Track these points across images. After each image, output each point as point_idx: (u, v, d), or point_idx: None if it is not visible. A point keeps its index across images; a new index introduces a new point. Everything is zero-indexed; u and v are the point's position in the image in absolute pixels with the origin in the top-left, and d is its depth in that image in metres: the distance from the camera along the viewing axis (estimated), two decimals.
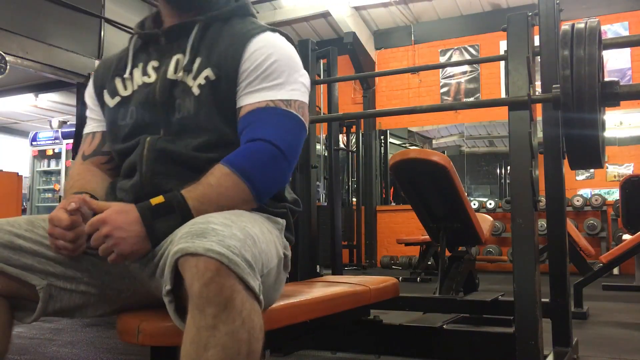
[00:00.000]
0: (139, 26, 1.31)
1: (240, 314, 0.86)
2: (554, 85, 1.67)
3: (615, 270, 6.09)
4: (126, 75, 1.22)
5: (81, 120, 5.52)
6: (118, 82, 1.23)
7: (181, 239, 0.88)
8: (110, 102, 1.22)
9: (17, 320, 1.08)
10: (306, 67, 3.00)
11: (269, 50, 1.13)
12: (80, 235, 1.02)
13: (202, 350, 0.84)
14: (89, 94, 1.31)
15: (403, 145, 9.41)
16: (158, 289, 0.98)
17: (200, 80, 1.13)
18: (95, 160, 1.26)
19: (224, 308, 0.84)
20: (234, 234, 0.90)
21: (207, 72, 1.13)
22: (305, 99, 1.16)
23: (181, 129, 1.13)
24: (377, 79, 8.50)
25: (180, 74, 1.15)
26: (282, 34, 1.20)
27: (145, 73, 1.20)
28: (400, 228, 7.83)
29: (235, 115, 1.13)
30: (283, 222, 1.17)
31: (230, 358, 0.85)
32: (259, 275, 0.92)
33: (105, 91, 1.24)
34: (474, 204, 7.46)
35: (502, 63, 2.06)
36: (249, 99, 1.12)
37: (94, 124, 1.29)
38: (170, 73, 1.16)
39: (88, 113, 1.31)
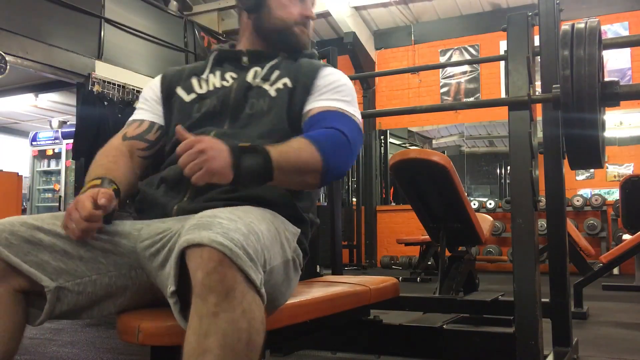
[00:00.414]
0: (219, 48, 1.49)
1: (241, 303, 0.88)
2: (554, 85, 1.67)
3: (615, 270, 6.09)
4: (204, 76, 1.39)
5: (81, 120, 5.52)
6: (194, 81, 1.38)
7: (188, 231, 0.92)
8: (186, 97, 1.36)
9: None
10: None
11: (340, 76, 1.36)
12: (91, 229, 1.07)
13: (202, 338, 0.87)
14: (153, 88, 1.43)
15: (403, 145, 9.41)
16: (163, 284, 1.00)
17: (279, 85, 1.32)
18: (134, 144, 1.34)
19: (225, 297, 0.87)
20: (238, 228, 0.93)
21: (285, 80, 1.33)
22: (361, 124, 1.33)
23: (247, 123, 1.28)
24: (377, 79, 8.50)
25: (258, 80, 1.34)
26: None
27: (223, 78, 1.37)
28: (400, 228, 7.82)
29: (299, 121, 1.29)
30: (298, 230, 1.19)
31: (230, 345, 0.87)
32: (261, 270, 0.94)
33: (179, 87, 1.38)
34: (474, 204, 7.46)
35: (502, 63, 2.06)
36: (321, 103, 1.29)
37: (145, 114, 1.40)
38: (249, 78, 1.34)
39: (140, 104, 1.43)
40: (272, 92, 1.31)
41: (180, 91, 1.37)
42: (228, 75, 1.37)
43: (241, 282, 0.89)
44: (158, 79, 1.44)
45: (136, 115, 1.41)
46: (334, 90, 1.31)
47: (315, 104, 1.29)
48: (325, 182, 1.22)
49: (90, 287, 1.09)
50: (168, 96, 1.39)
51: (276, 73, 1.34)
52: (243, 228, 0.94)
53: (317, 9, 8.08)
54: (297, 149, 1.13)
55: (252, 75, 1.35)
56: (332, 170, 1.18)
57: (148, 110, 1.40)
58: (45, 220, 1.10)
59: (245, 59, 1.40)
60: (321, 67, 1.37)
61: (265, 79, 1.33)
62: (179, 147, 1.01)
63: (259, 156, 1.05)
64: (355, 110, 1.31)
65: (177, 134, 1.05)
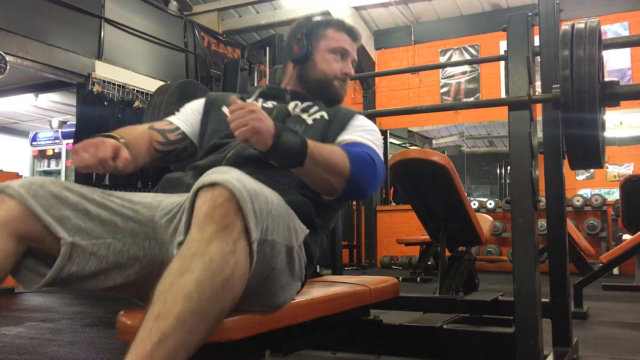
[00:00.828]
0: (265, 86, 1.65)
1: (235, 243, 0.91)
2: (554, 85, 1.67)
3: (615, 270, 6.09)
4: (248, 100, 1.52)
5: (81, 120, 5.53)
6: (239, 100, 1.47)
7: (203, 176, 0.97)
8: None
9: (24, 287, 1.09)
10: None
11: (373, 125, 1.51)
12: (93, 168, 1.14)
13: (188, 259, 0.89)
14: (197, 102, 1.57)
15: (403, 145, 9.41)
16: (174, 251, 1.02)
17: (316, 116, 1.48)
18: (155, 135, 1.45)
19: (223, 229, 0.91)
20: (251, 183, 0.98)
21: (323, 113, 1.48)
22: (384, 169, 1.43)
23: None
24: (377, 79, 8.51)
25: (298, 110, 1.50)
26: None
27: (265, 103, 1.53)
28: (400, 228, 7.82)
29: None
30: (307, 230, 1.20)
31: (212, 273, 0.88)
32: (259, 230, 0.96)
33: (224, 106, 1.50)
34: (474, 204, 7.46)
35: (502, 63, 2.06)
36: (354, 136, 1.42)
37: (178, 121, 1.54)
38: (289, 107, 1.50)
39: (179, 114, 1.56)
40: (309, 121, 1.46)
41: (225, 109, 1.48)
42: (270, 102, 1.54)
43: (240, 226, 0.93)
44: (204, 98, 1.59)
45: (169, 117, 1.55)
46: (367, 132, 1.45)
47: (349, 136, 1.43)
48: (347, 194, 1.30)
49: (104, 251, 1.10)
50: (208, 111, 1.53)
51: (315, 108, 1.50)
52: (256, 186, 0.98)
53: (317, 9, 8.04)
54: (331, 150, 1.25)
55: (293, 106, 1.51)
56: (357, 183, 1.27)
57: (181, 117, 1.54)
58: (75, 184, 1.15)
59: (288, 96, 1.56)
60: (358, 113, 1.54)
61: (304, 110, 1.49)
62: (232, 106, 1.11)
63: (298, 138, 1.15)
64: (381, 152, 1.44)
65: (230, 102, 1.13)
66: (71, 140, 5.99)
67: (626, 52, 7.05)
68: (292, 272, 1.13)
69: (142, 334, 0.86)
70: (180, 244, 0.95)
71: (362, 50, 8.23)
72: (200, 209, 0.93)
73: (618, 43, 2.22)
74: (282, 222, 1.06)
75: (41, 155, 8.87)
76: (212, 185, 0.94)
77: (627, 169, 7.27)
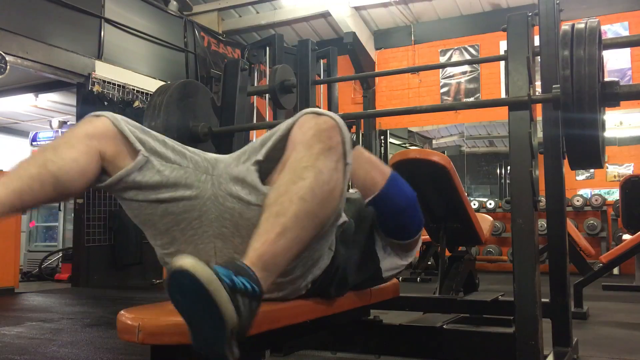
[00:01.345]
0: None
1: (337, 162, 1.05)
2: (554, 86, 1.67)
3: (615, 270, 6.09)
4: None
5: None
6: None
7: (305, 109, 1.11)
8: None
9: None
10: (306, 67, 3.02)
11: None
12: None
13: (300, 170, 1.02)
14: None
15: (403, 145, 9.41)
16: (235, 174, 1.15)
17: None
18: None
19: (329, 149, 1.04)
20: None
21: None
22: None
23: None
24: (377, 79, 8.50)
25: None
26: None
27: None
28: None
29: None
30: (344, 220, 1.25)
31: (321, 182, 1.02)
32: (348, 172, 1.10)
33: None
34: (474, 204, 7.46)
35: (502, 63, 2.05)
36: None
37: None
38: None
39: None
40: None
41: None
42: None
43: (341, 150, 1.06)
44: None
45: None
46: None
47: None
48: (386, 192, 1.40)
49: (168, 171, 1.19)
50: None
51: None
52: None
53: (317, 9, 8.04)
54: (370, 156, 1.45)
55: None
56: (395, 187, 1.42)
57: None
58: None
59: None
60: None
61: None
62: None
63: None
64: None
65: None
66: None
67: (626, 52, 7.05)
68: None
69: (263, 227, 0.99)
70: (258, 162, 1.12)
71: (362, 50, 8.23)
72: (306, 131, 1.06)
73: (618, 43, 2.22)
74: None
75: None
76: (318, 114, 1.08)
77: (627, 169, 7.27)
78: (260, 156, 1.13)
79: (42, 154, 1.15)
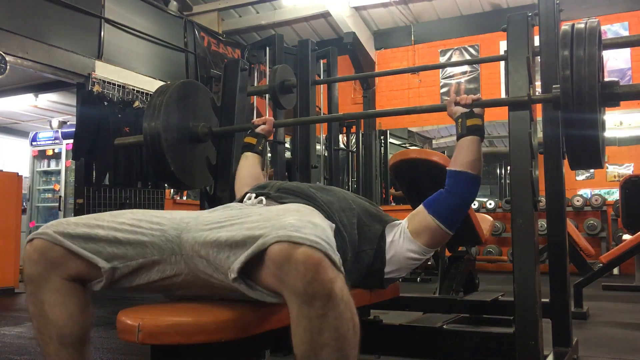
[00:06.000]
0: None
1: (342, 298, 1.01)
2: (554, 86, 1.67)
3: (615, 270, 6.09)
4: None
5: (81, 121, 5.51)
6: None
7: (276, 229, 1.03)
8: None
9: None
10: (306, 67, 3.02)
11: None
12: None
13: (317, 335, 1.00)
14: None
15: (403, 145, 9.41)
16: (217, 258, 1.12)
17: None
18: None
19: (328, 299, 0.99)
20: (325, 230, 1.09)
21: None
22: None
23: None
24: (377, 79, 8.49)
25: None
26: None
27: None
28: None
29: None
30: (333, 226, 1.31)
31: (343, 336, 1.01)
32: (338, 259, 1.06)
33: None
34: (474, 204, 7.46)
35: (502, 63, 2.05)
36: None
37: None
38: None
39: None
40: None
41: None
42: None
43: (335, 277, 1.01)
44: None
45: None
46: None
47: None
48: (465, 177, 1.62)
49: (135, 264, 1.23)
50: None
51: None
52: (323, 224, 1.13)
53: (317, 9, 8.03)
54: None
55: None
56: (473, 183, 1.62)
57: None
58: (105, 218, 1.27)
59: None
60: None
61: None
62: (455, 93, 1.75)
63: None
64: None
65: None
66: (71, 141, 5.97)
67: (626, 52, 7.04)
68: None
69: None
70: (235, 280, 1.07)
71: (362, 50, 8.23)
72: (295, 282, 0.99)
73: (618, 43, 2.22)
74: (328, 229, 1.17)
75: (41, 155, 8.85)
76: (295, 243, 1.00)
77: (627, 169, 7.28)
78: (234, 273, 1.07)
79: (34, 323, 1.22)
